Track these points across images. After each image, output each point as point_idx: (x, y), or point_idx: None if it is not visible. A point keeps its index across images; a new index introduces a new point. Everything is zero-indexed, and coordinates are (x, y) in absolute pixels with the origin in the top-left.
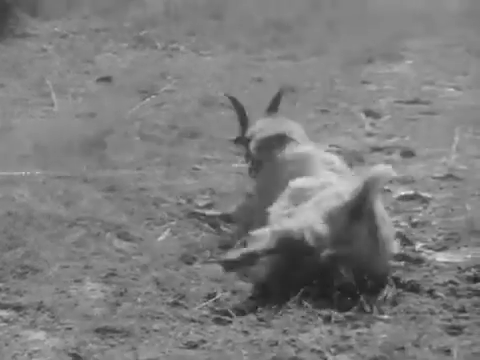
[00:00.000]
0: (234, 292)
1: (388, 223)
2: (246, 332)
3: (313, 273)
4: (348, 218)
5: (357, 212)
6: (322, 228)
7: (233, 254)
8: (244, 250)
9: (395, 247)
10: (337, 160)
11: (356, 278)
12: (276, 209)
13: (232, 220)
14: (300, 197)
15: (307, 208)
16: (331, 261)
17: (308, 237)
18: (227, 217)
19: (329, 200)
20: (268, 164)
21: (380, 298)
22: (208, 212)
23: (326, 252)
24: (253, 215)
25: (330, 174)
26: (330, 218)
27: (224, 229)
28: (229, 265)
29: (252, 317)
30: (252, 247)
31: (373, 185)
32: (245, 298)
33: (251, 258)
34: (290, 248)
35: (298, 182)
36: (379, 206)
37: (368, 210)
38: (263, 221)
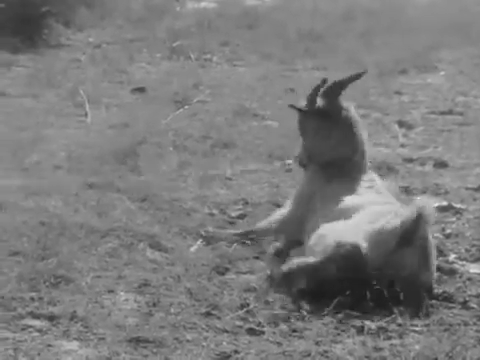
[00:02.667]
0: (267, 302)
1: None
2: (279, 343)
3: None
4: (398, 242)
5: (408, 238)
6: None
7: (292, 265)
8: (304, 261)
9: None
10: (377, 179)
11: (389, 290)
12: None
13: (266, 235)
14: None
15: (358, 224)
16: (377, 280)
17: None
18: (256, 233)
19: (381, 221)
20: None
21: (413, 309)
22: (233, 231)
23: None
24: (289, 228)
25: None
26: (380, 239)
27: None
28: (288, 277)
29: (285, 328)
30: (311, 260)
31: (426, 215)
32: (278, 309)
33: (310, 270)
34: (347, 265)
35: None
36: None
37: (420, 237)
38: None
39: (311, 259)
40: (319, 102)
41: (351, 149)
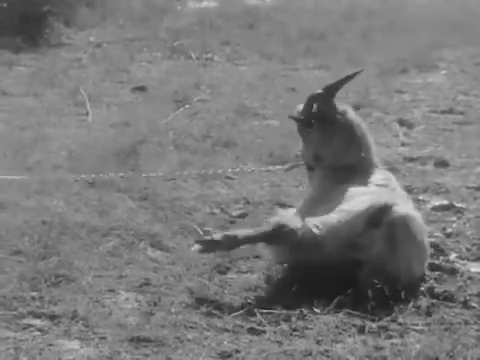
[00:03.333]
0: (268, 302)
1: (419, 237)
2: (280, 342)
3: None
4: (365, 224)
5: (376, 220)
6: (328, 230)
7: (215, 235)
8: (227, 232)
9: (425, 262)
10: (393, 177)
11: (389, 288)
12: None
13: None
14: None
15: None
16: (344, 263)
17: (302, 234)
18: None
19: (352, 205)
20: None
21: (414, 308)
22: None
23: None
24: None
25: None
26: (348, 222)
27: None
28: (208, 245)
29: (286, 327)
30: (237, 232)
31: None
32: (279, 308)
33: (233, 242)
34: (277, 242)
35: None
36: (410, 220)
37: (389, 220)
38: None
39: (246, 230)
40: (315, 109)
41: (357, 151)
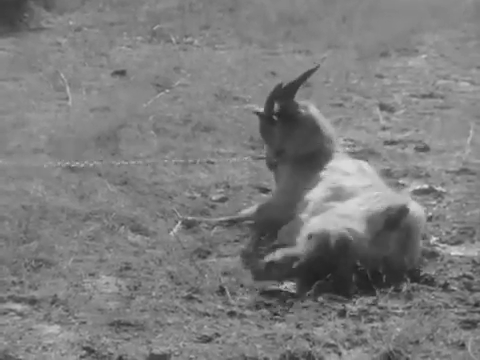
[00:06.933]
0: (249, 286)
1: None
2: (260, 326)
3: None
4: (383, 226)
5: (394, 223)
6: (360, 231)
7: (275, 256)
8: (286, 252)
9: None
10: (367, 166)
11: (371, 272)
12: (316, 199)
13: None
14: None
15: (349, 208)
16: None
17: (347, 241)
18: (239, 220)
19: (372, 204)
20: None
21: (394, 292)
22: (213, 219)
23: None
24: (273, 214)
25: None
26: (369, 221)
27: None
28: (271, 266)
29: (266, 311)
30: (293, 250)
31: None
32: (259, 292)
33: (292, 260)
34: (328, 251)
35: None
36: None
37: (406, 224)
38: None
39: (297, 249)
40: (276, 106)
41: (319, 139)
